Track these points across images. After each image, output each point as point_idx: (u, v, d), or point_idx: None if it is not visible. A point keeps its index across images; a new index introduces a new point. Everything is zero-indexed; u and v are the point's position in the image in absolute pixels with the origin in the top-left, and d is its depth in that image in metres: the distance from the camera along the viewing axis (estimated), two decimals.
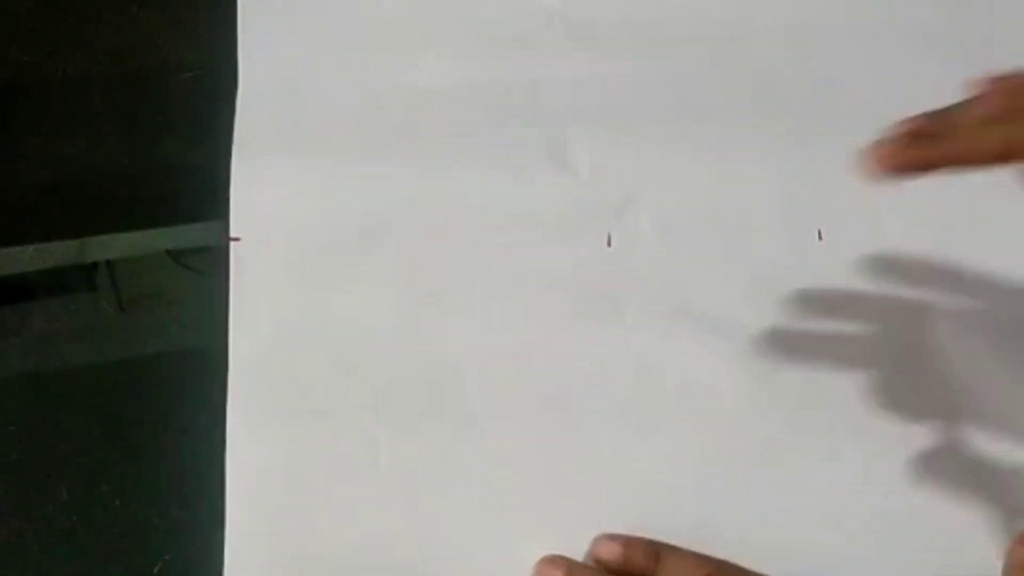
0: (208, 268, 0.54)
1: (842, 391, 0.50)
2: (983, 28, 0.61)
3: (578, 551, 0.45)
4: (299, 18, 0.63)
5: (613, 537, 0.44)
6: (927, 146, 0.43)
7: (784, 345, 0.51)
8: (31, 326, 0.54)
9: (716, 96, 0.59)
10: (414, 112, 0.59)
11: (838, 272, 0.53)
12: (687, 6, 0.63)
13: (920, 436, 0.49)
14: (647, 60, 0.61)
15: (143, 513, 0.46)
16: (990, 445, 0.49)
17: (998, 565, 0.41)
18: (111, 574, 0.45)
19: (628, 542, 0.43)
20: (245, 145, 0.56)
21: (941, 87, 0.47)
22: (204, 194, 0.57)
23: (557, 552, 0.44)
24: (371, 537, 0.45)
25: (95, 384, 0.51)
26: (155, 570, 0.44)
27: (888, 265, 0.53)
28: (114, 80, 0.64)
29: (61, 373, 0.52)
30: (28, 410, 0.50)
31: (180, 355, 0.51)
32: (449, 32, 0.63)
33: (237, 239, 0.51)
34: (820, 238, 0.54)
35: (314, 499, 0.45)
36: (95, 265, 0.56)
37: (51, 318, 0.54)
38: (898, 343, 0.52)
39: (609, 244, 0.54)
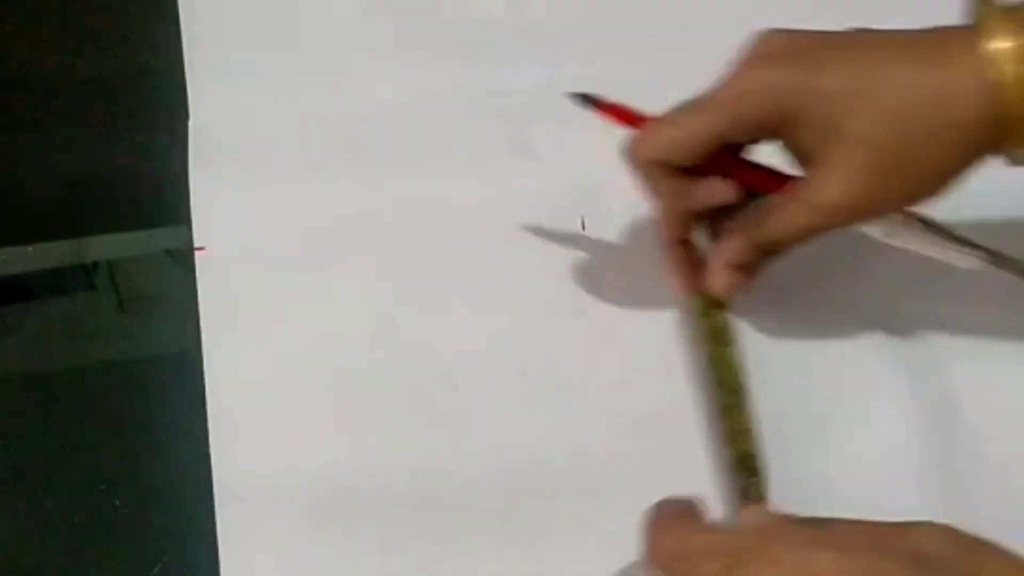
0: None
1: (833, 359, 0.50)
2: None
3: (575, 541, 0.45)
4: (244, 34, 0.63)
5: None
6: None
7: (769, 314, 0.52)
8: (31, 326, 0.54)
9: (666, 82, 0.59)
10: (370, 118, 0.59)
11: (807, 252, 0.54)
12: (628, 3, 0.64)
13: (901, 402, 0.49)
14: (594, 56, 0.61)
15: (143, 513, 0.46)
16: (976, 404, 0.49)
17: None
18: (111, 574, 0.45)
19: None
20: (202, 167, 0.56)
21: None
22: None
23: (561, 554, 0.44)
24: (369, 537, 0.45)
25: (95, 384, 0.51)
26: (155, 570, 0.44)
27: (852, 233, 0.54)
28: (114, 80, 0.64)
29: (61, 373, 0.52)
30: (27, 410, 0.50)
31: (180, 355, 0.51)
32: (399, 41, 0.64)
33: (202, 248, 0.52)
34: None
35: (309, 507, 0.45)
36: (95, 265, 0.56)
37: (51, 318, 0.54)
38: (875, 309, 0.52)
39: (583, 228, 0.54)
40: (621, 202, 0.55)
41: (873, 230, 0.49)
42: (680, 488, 0.46)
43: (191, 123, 0.59)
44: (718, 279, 0.49)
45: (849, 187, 0.45)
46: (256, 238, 0.54)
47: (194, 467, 0.46)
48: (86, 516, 0.46)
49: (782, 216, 0.47)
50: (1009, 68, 0.42)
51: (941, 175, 0.45)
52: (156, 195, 0.58)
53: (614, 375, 0.49)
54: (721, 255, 0.49)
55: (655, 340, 0.51)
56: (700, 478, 0.47)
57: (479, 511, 0.45)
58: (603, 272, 0.53)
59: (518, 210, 0.55)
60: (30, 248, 0.56)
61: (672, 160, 0.48)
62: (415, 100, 0.61)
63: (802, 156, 0.47)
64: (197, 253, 0.52)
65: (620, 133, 0.56)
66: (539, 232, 0.54)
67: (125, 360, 0.53)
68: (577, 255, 0.53)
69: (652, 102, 0.60)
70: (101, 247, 0.57)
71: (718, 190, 0.49)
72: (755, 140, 0.48)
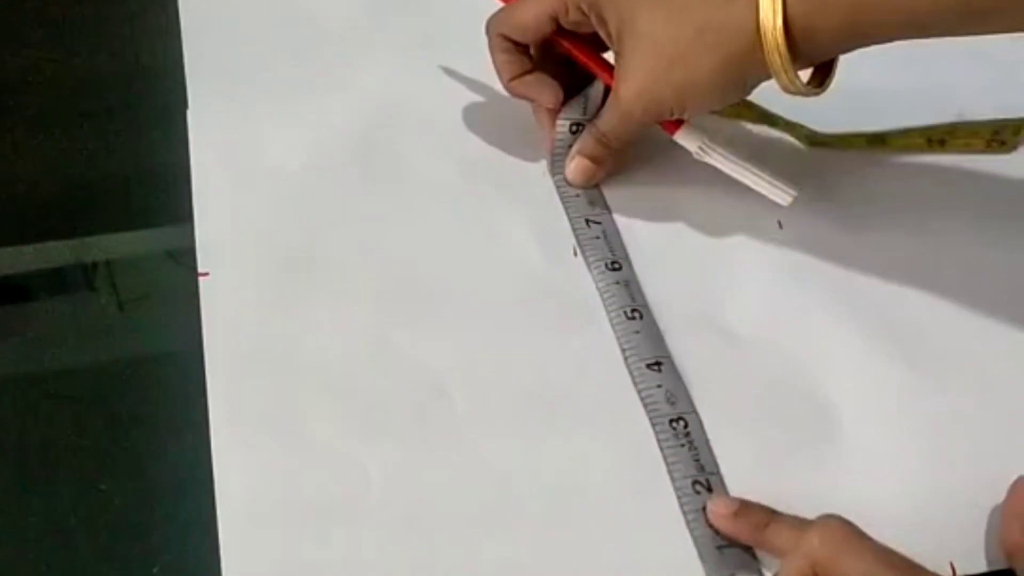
0: None
1: (822, 382, 0.50)
2: None
3: (576, 554, 0.45)
4: (245, 34, 0.64)
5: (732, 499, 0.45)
6: None
7: (759, 337, 0.52)
8: (31, 326, 0.54)
9: None
10: (371, 123, 0.59)
11: (799, 258, 0.54)
12: None
13: (902, 414, 0.49)
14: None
15: (143, 513, 0.46)
16: (978, 416, 0.49)
17: None
18: (111, 574, 0.45)
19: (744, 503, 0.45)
20: (203, 168, 0.56)
21: None
22: None
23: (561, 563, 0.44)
24: (367, 542, 0.45)
25: (95, 384, 0.51)
26: (155, 570, 0.44)
27: (844, 248, 0.55)
28: (114, 80, 0.64)
29: (61, 373, 0.52)
30: (28, 410, 0.50)
31: (180, 355, 0.51)
32: (399, 41, 0.64)
33: (206, 274, 0.52)
34: (780, 227, 0.55)
35: (306, 524, 0.45)
36: (95, 265, 0.56)
37: (51, 318, 0.54)
38: (867, 322, 0.52)
39: (575, 254, 0.54)
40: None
41: (689, 143, 0.54)
42: (674, 500, 0.46)
43: (191, 123, 0.59)
44: (570, 169, 0.56)
45: (639, 76, 0.51)
46: (257, 256, 0.53)
47: (194, 467, 0.46)
48: (86, 516, 0.46)
49: (606, 109, 0.54)
50: (768, 12, 0.47)
51: (710, 75, 0.50)
52: (156, 195, 0.58)
53: (610, 395, 0.50)
54: (576, 145, 0.56)
55: None
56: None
57: (474, 523, 0.45)
58: (595, 296, 0.53)
59: (511, 236, 0.55)
60: (30, 248, 0.56)
61: (513, 35, 0.54)
62: (417, 103, 0.61)
63: (614, 52, 0.53)
64: (201, 279, 0.52)
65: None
66: (531, 258, 0.54)
67: (125, 360, 0.53)
68: (569, 280, 0.54)
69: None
70: (101, 247, 0.57)
71: (544, 91, 0.56)
72: (582, 28, 0.54)
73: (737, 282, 0.54)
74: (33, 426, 0.49)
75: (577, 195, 0.56)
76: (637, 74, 0.51)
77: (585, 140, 0.56)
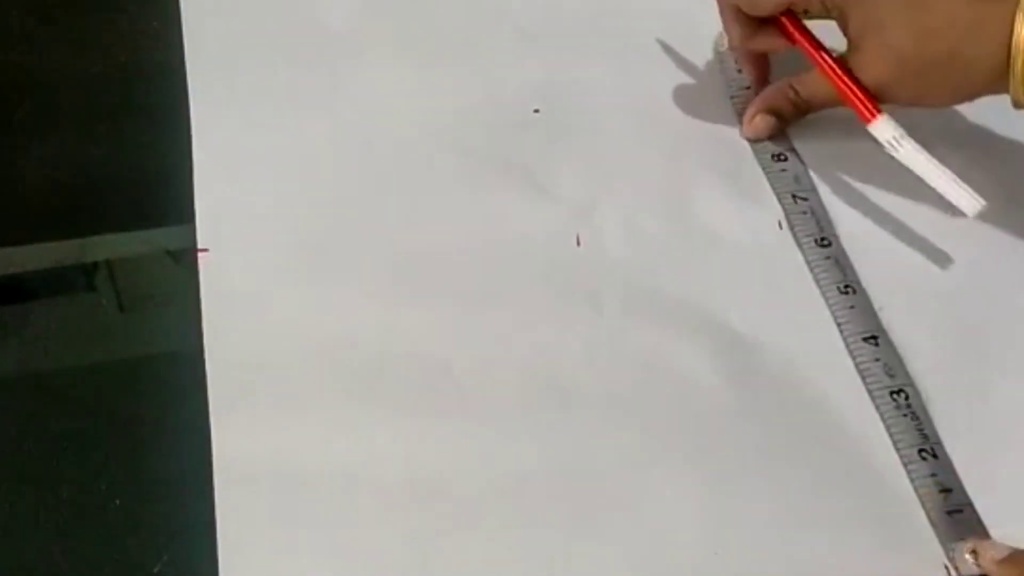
0: None
1: (819, 377, 0.50)
2: None
3: (574, 532, 0.45)
4: (246, 34, 0.64)
5: None
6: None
7: (758, 330, 0.52)
8: (31, 326, 0.54)
9: (667, 94, 0.60)
10: (371, 119, 0.59)
11: (800, 257, 0.54)
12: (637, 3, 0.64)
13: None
14: (598, 61, 0.62)
15: (143, 513, 0.46)
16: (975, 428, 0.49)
17: None
18: (111, 574, 0.45)
19: None
20: (205, 167, 0.56)
21: None
22: None
23: (553, 545, 0.44)
24: (371, 531, 0.45)
25: (95, 384, 0.51)
26: (155, 570, 0.44)
27: (844, 246, 0.55)
28: (114, 79, 0.64)
29: (61, 373, 0.52)
30: (28, 410, 0.50)
31: (180, 355, 0.51)
32: (400, 41, 0.64)
33: (205, 250, 0.52)
34: (780, 228, 0.55)
35: (310, 501, 0.45)
36: (95, 265, 0.56)
37: (51, 318, 0.54)
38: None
39: (579, 244, 0.54)
40: (615, 220, 0.55)
41: (881, 134, 0.54)
42: (680, 481, 0.46)
43: (192, 123, 0.59)
44: (753, 124, 0.59)
45: (873, 76, 0.54)
46: (259, 236, 0.54)
47: (195, 467, 0.46)
48: (86, 516, 0.46)
49: (814, 78, 0.57)
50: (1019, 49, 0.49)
51: (948, 94, 0.54)
52: (156, 195, 0.58)
53: (611, 381, 0.50)
54: (762, 99, 0.59)
55: (652, 350, 0.51)
56: (702, 471, 0.47)
57: (480, 505, 0.45)
58: (598, 286, 0.53)
59: (514, 223, 0.55)
60: (30, 248, 0.56)
61: (746, 9, 0.57)
62: (416, 103, 0.61)
63: (848, 39, 0.55)
64: (200, 255, 0.52)
65: (615, 150, 0.56)
66: (535, 245, 0.55)
67: (125, 360, 0.53)
68: (572, 269, 0.54)
69: (657, 103, 0.60)
70: (101, 247, 0.57)
71: (776, 44, 0.58)
72: (816, 14, 0.56)
73: (741, 281, 0.54)
74: (33, 426, 0.49)
75: (783, 170, 0.58)
76: (876, 75, 0.54)
77: (776, 98, 0.59)
